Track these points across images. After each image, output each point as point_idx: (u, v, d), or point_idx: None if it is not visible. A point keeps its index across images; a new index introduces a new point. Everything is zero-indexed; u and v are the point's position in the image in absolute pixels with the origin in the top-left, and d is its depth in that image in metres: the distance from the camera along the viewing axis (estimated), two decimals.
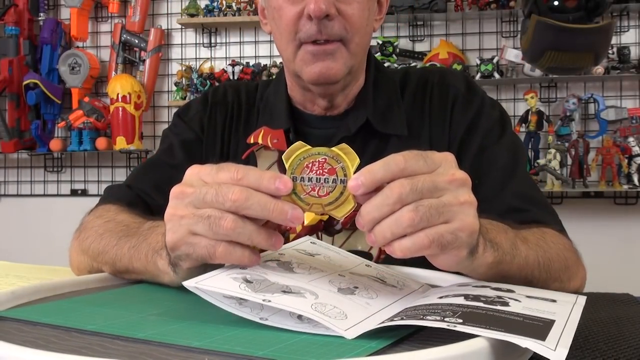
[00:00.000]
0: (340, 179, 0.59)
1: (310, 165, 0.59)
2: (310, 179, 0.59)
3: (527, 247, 0.78)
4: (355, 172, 0.58)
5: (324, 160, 0.59)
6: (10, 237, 3.38)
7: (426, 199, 0.57)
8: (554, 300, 0.59)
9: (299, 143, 0.60)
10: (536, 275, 0.79)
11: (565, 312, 0.55)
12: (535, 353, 0.46)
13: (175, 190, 0.63)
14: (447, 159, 0.61)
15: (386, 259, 0.77)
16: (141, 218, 0.87)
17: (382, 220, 0.57)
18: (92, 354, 0.47)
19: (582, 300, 0.60)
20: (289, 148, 0.60)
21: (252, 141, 0.94)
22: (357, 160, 0.60)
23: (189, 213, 0.60)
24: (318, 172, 0.59)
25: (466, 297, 0.57)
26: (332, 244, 0.79)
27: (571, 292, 0.75)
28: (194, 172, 0.63)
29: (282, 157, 0.61)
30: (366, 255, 0.83)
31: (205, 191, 0.60)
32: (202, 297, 0.64)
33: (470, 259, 0.64)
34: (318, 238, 0.80)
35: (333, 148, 0.60)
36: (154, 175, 1.06)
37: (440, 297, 0.58)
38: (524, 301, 0.58)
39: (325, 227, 0.78)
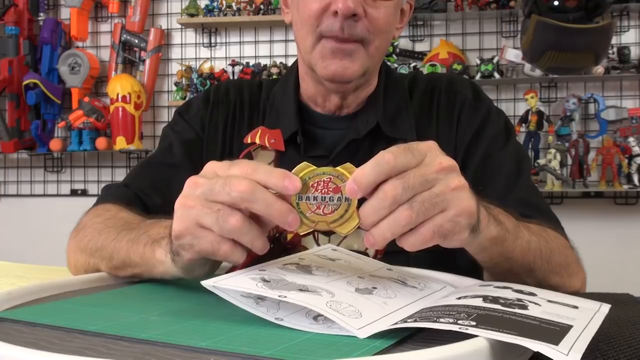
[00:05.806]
0: (345, 197, 0.60)
1: (315, 185, 0.60)
2: (315, 198, 0.60)
3: (530, 233, 0.79)
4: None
5: (328, 179, 0.60)
6: (10, 237, 3.37)
7: (419, 194, 0.58)
8: (576, 307, 0.59)
9: (304, 164, 0.61)
10: (538, 264, 0.79)
11: (585, 318, 0.55)
12: (535, 353, 0.46)
13: (189, 181, 0.63)
14: (431, 147, 0.62)
15: (383, 258, 0.77)
16: (142, 217, 0.87)
17: (380, 222, 0.58)
18: (96, 355, 0.47)
19: (605, 308, 0.60)
20: (295, 168, 0.61)
21: (249, 141, 0.95)
22: None
23: (198, 204, 0.61)
24: (323, 191, 0.61)
25: (485, 298, 0.57)
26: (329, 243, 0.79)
27: (571, 292, 0.75)
28: (210, 166, 0.64)
29: None
30: (362, 255, 0.83)
31: (215, 181, 0.60)
32: (201, 298, 0.64)
33: (474, 236, 0.65)
34: (315, 238, 0.80)
35: (338, 167, 0.61)
36: (151, 175, 1.06)
37: (459, 298, 0.58)
38: (544, 305, 0.57)
39: None
